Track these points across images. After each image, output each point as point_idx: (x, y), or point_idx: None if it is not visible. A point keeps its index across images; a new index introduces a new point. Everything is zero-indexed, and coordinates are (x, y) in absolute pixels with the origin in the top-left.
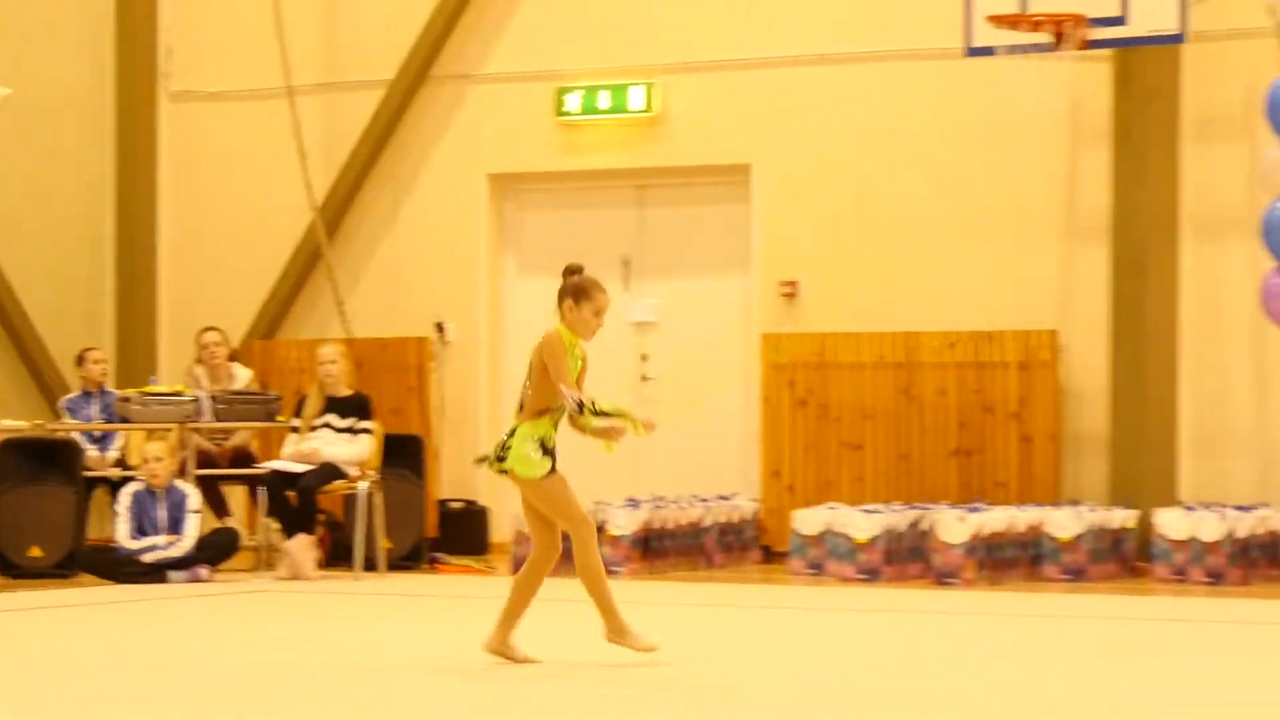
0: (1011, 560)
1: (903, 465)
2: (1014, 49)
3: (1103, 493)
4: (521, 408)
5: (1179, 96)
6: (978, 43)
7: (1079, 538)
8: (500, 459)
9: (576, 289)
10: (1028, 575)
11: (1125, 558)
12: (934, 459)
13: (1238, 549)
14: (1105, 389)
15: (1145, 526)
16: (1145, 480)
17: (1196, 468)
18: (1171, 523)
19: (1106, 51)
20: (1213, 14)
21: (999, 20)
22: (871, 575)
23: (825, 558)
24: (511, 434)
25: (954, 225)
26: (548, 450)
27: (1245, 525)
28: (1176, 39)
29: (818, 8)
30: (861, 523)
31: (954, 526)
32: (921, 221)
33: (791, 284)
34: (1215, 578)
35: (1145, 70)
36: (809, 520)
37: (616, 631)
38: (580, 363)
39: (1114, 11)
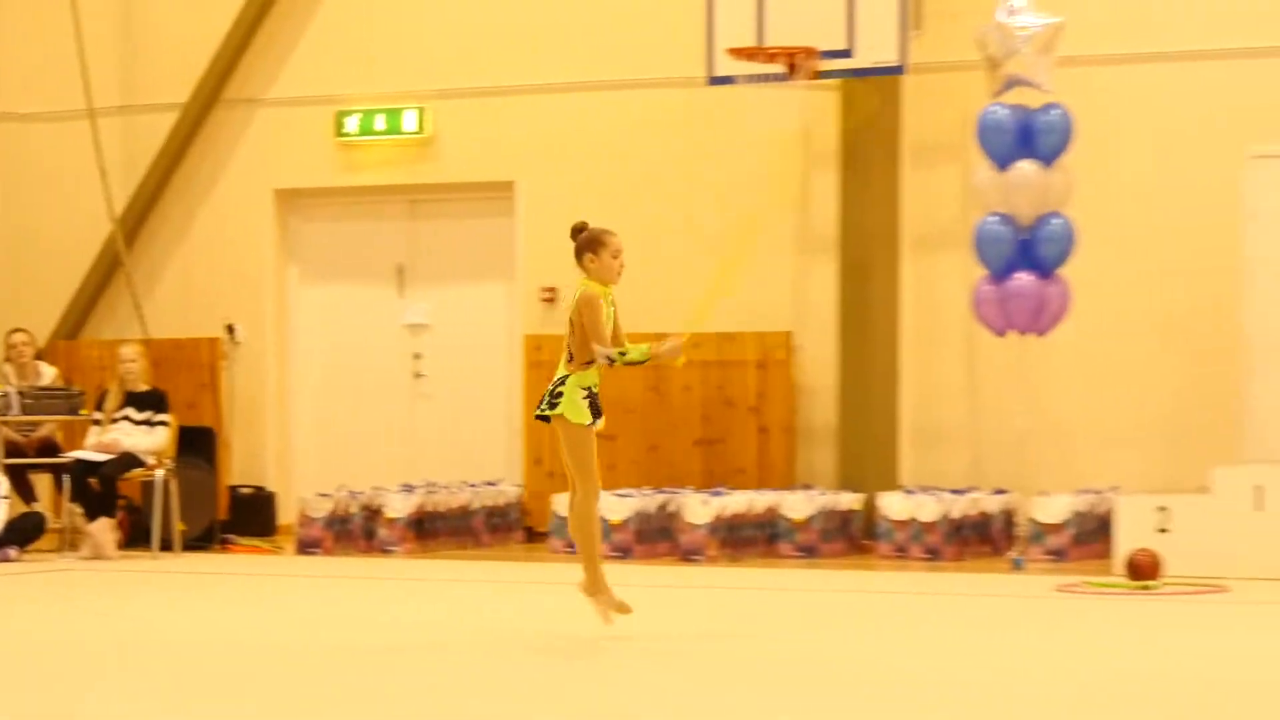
0: (750, 539)
1: (652, 454)
2: (752, 78)
3: (832, 478)
4: (571, 358)
5: (900, 122)
6: (719, 72)
7: (811, 519)
8: (552, 405)
9: (591, 241)
10: (765, 553)
11: (852, 536)
12: (680, 448)
13: (952, 528)
14: (834, 385)
15: (870, 508)
16: (870, 466)
17: (915, 455)
18: (893, 505)
19: (834, 81)
20: (930, 48)
21: (738, 52)
22: (624, 553)
23: None
24: (562, 382)
25: (698, 237)
26: (593, 397)
27: (959, 507)
28: (897, 70)
29: (576, 39)
30: (615, 506)
31: (698, 509)
32: (669, 234)
33: (551, 290)
34: (932, 554)
35: (870, 98)
36: (567, 503)
37: (592, 586)
38: (613, 308)
39: (841, 45)
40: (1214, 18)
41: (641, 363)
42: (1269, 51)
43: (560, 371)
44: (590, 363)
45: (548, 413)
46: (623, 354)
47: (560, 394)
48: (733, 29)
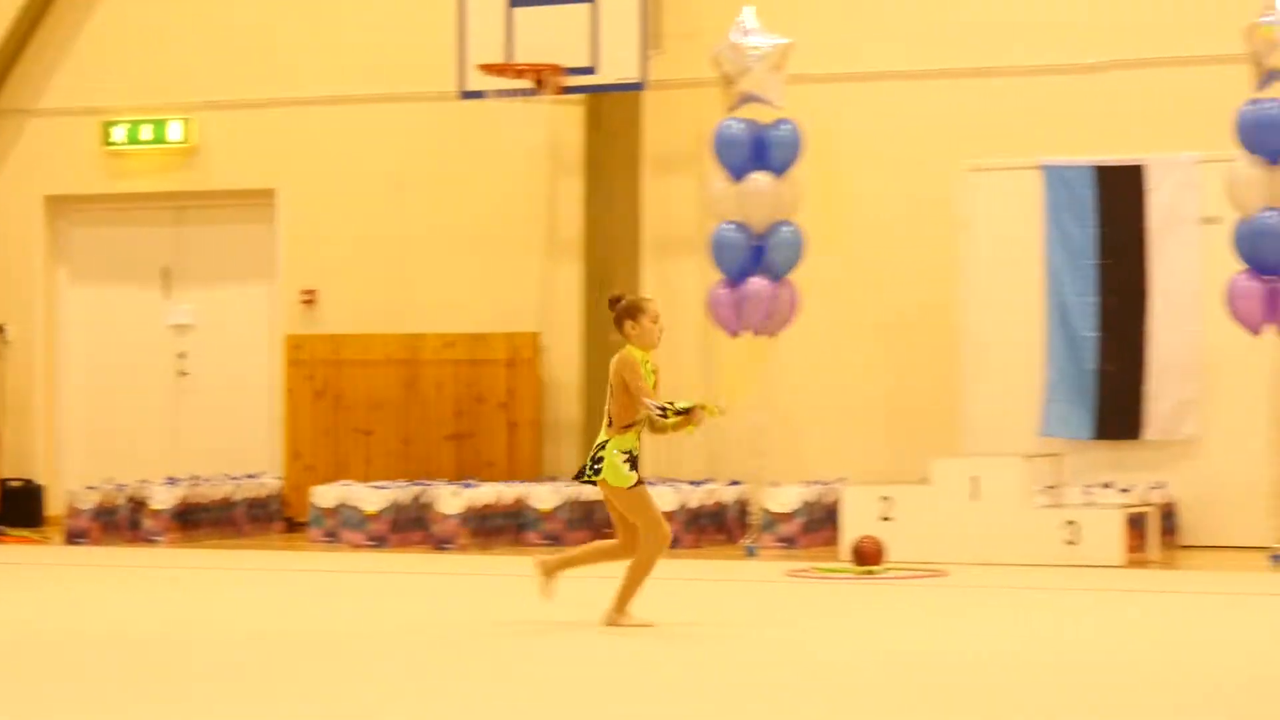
0: (500, 528)
1: (407, 448)
2: (501, 93)
3: (577, 470)
4: (610, 423)
5: (640, 135)
6: (471, 87)
7: (557, 509)
8: (595, 471)
9: (631, 309)
10: (513, 541)
11: (596, 525)
12: (433, 442)
13: (689, 518)
14: (579, 382)
15: None
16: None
17: (655, 447)
18: None
19: (580, 96)
20: (669, 65)
21: (488, 69)
22: (379, 542)
23: (340, 527)
24: (602, 447)
25: (452, 243)
26: (633, 460)
27: (696, 497)
28: (637, 86)
29: (335, 54)
30: (371, 497)
31: (450, 500)
32: (424, 240)
33: (311, 293)
34: (672, 542)
35: (612, 112)
36: (325, 495)
37: (617, 616)
38: (654, 374)
39: (585, 62)
40: (933, 39)
41: (688, 412)
42: (984, 71)
43: (601, 437)
44: (630, 426)
45: (592, 478)
46: (671, 404)
47: (601, 459)
48: (483, 47)
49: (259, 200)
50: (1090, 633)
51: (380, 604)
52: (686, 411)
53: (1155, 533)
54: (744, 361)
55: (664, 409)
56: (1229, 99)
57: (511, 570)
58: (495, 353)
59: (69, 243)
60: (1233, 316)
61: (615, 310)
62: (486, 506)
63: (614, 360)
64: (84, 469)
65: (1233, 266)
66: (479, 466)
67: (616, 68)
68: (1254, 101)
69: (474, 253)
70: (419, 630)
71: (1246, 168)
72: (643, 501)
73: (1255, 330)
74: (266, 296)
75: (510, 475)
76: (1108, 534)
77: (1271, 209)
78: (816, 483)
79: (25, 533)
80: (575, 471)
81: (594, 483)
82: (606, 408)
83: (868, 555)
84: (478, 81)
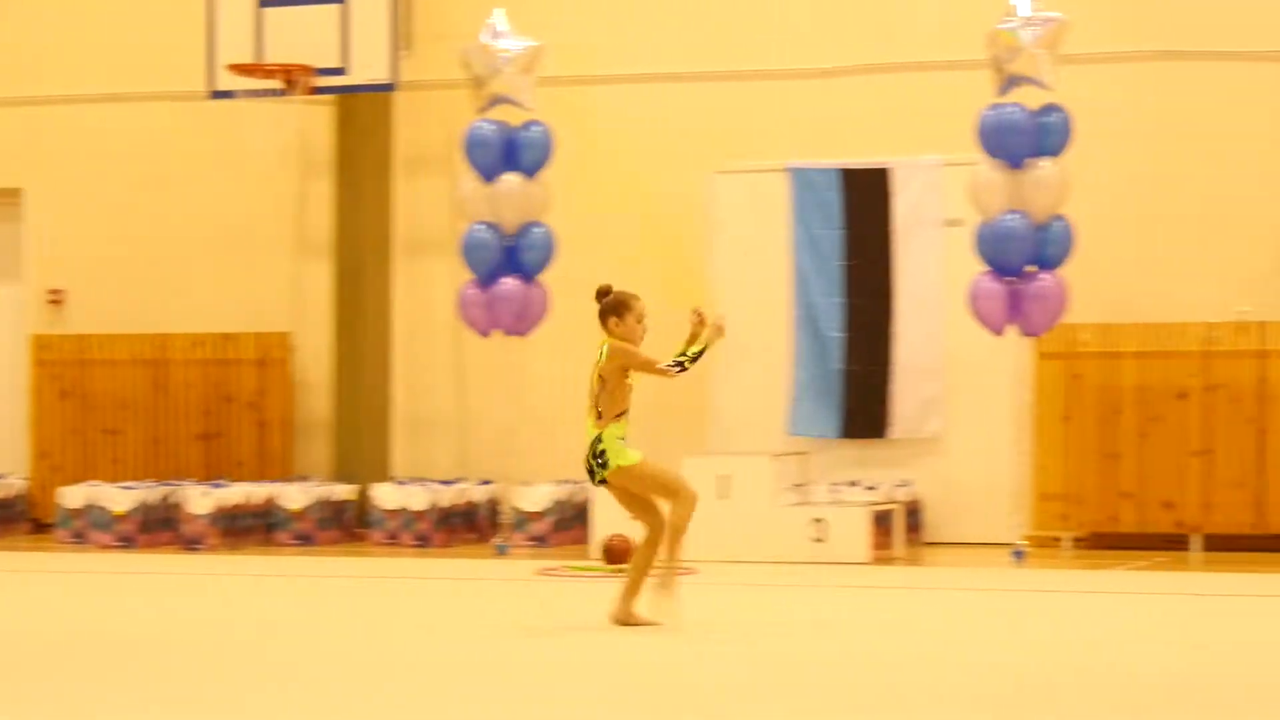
0: (250, 528)
1: (155, 448)
2: (251, 93)
3: (328, 469)
4: (600, 416)
5: (391, 136)
6: (220, 87)
7: (307, 509)
8: (603, 466)
9: (617, 305)
10: (263, 541)
11: (347, 525)
12: (182, 442)
13: (441, 517)
14: (330, 381)
15: (364, 498)
16: (363, 459)
17: (407, 448)
18: (385, 495)
19: (330, 96)
20: (420, 66)
21: (238, 69)
22: (128, 543)
23: (88, 528)
24: (599, 440)
25: (201, 243)
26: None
27: (447, 497)
28: (388, 87)
29: (81, 53)
30: (119, 497)
31: (199, 500)
32: (173, 240)
33: (58, 292)
34: (422, 541)
35: (363, 113)
36: (73, 495)
37: (662, 589)
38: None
39: (336, 63)
40: (682, 43)
41: (701, 352)
42: (731, 75)
43: (591, 432)
44: (620, 415)
45: (604, 475)
46: (683, 354)
47: (604, 450)
48: (233, 46)
49: (5, 199)
50: (845, 629)
51: (127, 604)
52: (699, 354)
53: (900, 530)
54: (495, 361)
55: (681, 363)
56: (971, 103)
57: (261, 570)
58: (245, 352)
59: None
60: (975, 317)
61: (602, 303)
62: (236, 506)
63: (605, 351)
64: None
65: (975, 268)
66: (228, 466)
67: (367, 68)
68: (995, 106)
69: (224, 253)
70: (161, 630)
71: (988, 171)
72: (655, 469)
73: (997, 330)
74: (12, 296)
75: (260, 475)
76: (854, 531)
77: (1012, 211)
78: (567, 482)
79: None
80: (595, 480)
81: (605, 481)
82: (593, 402)
83: (618, 553)
84: (227, 81)
